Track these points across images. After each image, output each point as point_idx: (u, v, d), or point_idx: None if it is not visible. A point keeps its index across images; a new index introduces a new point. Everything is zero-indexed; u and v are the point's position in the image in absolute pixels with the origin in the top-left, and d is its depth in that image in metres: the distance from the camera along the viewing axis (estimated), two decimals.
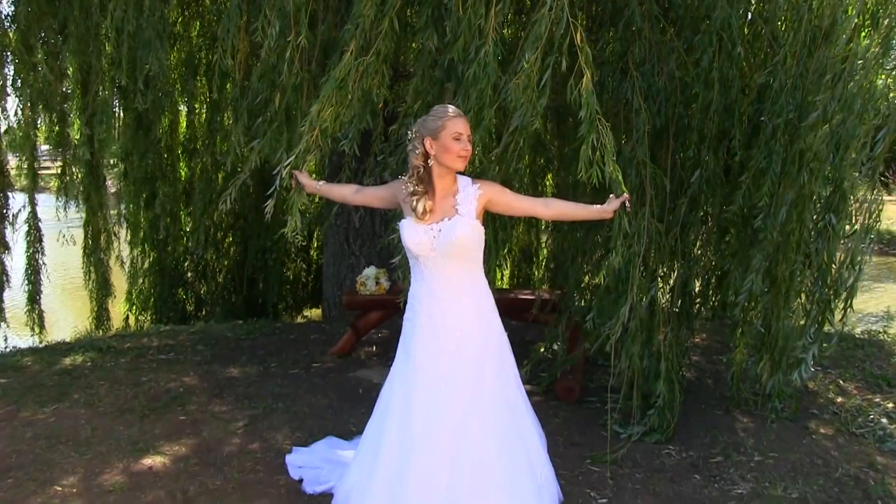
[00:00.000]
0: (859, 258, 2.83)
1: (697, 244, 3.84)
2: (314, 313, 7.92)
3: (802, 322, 3.10)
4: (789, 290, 3.17)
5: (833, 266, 2.97)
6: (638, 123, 3.36)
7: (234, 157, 3.67)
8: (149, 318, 7.33)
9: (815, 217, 3.07)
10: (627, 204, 2.73)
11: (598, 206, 2.70)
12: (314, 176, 3.01)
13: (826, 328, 3.04)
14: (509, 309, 4.37)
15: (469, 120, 2.67)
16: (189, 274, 7.61)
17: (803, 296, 3.19)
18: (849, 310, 2.91)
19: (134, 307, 7.34)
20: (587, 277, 3.93)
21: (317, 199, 7.29)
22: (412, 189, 2.55)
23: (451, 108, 2.54)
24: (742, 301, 3.18)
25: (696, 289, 4.04)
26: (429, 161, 2.53)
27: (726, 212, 3.45)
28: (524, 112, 2.83)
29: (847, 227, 2.94)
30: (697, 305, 4.17)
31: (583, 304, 3.76)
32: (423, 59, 3.24)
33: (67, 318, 8.28)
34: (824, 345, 3.03)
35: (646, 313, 3.34)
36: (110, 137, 5.88)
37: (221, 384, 4.47)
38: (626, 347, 3.31)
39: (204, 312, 7.51)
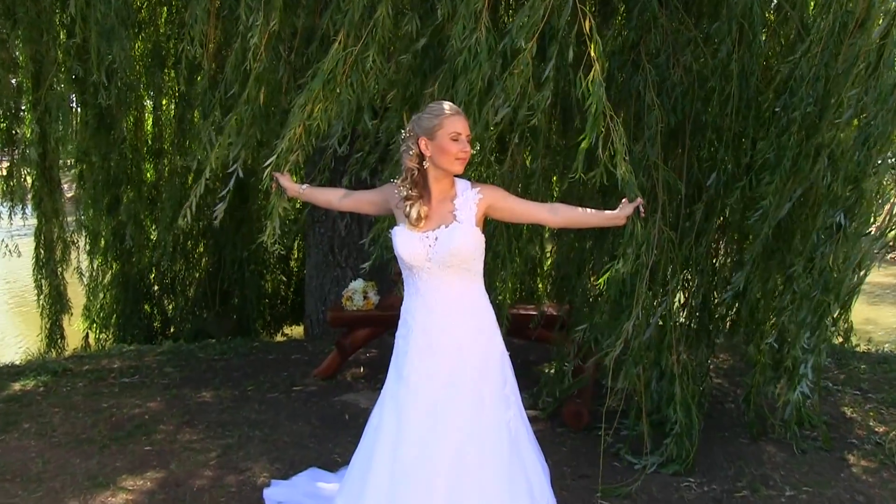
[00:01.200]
0: (868, 261, 2.86)
1: (716, 254, 3.87)
2: (295, 331, 7.92)
3: (797, 330, 3.12)
4: (792, 296, 3.18)
5: (836, 269, 2.99)
6: (650, 120, 3.39)
7: (203, 156, 3.66)
8: (110, 336, 7.33)
9: (825, 217, 3.09)
10: (642, 209, 2.74)
11: (610, 211, 2.73)
12: (295, 178, 3.02)
13: (827, 337, 3.08)
14: (511, 325, 4.38)
15: (467, 118, 2.68)
16: (156, 287, 7.62)
17: (799, 301, 3.19)
18: (849, 318, 2.96)
19: (94, 325, 7.34)
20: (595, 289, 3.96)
21: (298, 204, 7.32)
22: (405, 193, 2.57)
23: (449, 106, 2.56)
24: (727, 298, 3.21)
25: (717, 303, 4.06)
26: (424, 163, 2.55)
27: (747, 217, 3.48)
28: (515, 104, 2.85)
29: (860, 228, 2.96)
30: (718, 322, 4.20)
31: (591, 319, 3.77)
32: (403, 46, 3.26)
33: (16, 338, 8.26)
34: (823, 354, 3.05)
35: (656, 330, 3.35)
36: (67, 136, 5.90)
37: (192, 410, 4.47)
38: (627, 368, 3.32)
39: (172, 330, 7.51)
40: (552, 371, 4.37)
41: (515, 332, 4.52)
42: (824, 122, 3.12)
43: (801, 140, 3.21)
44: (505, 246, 3.34)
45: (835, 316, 3.05)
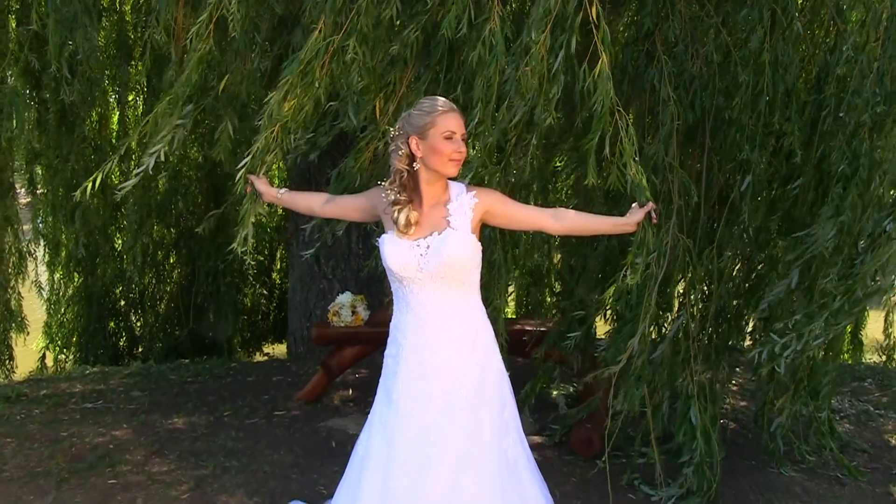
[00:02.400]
0: None
1: (742, 265, 3.88)
2: (277, 349, 7.94)
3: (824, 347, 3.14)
4: (820, 306, 3.20)
5: (876, 277, 3.01)
6: (665, 117, 3.41)
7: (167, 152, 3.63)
8: (71, 357, 7.34)
9: (874, 223, 3.11)
10: (654, 215, 2.77)
11: (618, 217, 2.75)
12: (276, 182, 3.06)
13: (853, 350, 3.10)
14: (511, 343, 4.40)
15: (462, 116, 2.69)
16: (123, 302, 7.64)
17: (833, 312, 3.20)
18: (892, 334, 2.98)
19: (53, 344, 7.34)
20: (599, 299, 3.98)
21: (280, 210, 7.36)
22: (394, 197, 2.59)
23: (442, 101, 2.59)
24: (760, 314, 3.22)
25: (742, 318, 4.09)
26: (414, 164, 2.58)
27: (770, 220, 3.50)
28: (534, 103, 2.87)
29: None
30: (742, 339, 4.22)
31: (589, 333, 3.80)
32: (381, 32, 3.29)
33: None
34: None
35: (669, 347, 3.37)
36: (22, 135, 5.90)
37: (162, 438, 4.49)
38: (627, 388, 3.33)
39: (141, 350, 7.52)
40: (558, 394, 4.38)
41: (518, 349, 4.55)
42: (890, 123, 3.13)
43: (870, 145, 3.19)
44: (501, 254, 3.35)
45: (860, 327, 3.06)
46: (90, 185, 3.10)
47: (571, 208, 2.98)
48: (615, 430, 3.35)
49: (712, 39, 3.64)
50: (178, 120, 3.13)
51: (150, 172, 3.24)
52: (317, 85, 2.86)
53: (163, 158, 3.08)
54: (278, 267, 8.15)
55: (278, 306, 8.08)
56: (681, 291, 3.69)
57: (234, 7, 3.03)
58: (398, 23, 3.29)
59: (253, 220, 2.95)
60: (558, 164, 4.77)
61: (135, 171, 3.12)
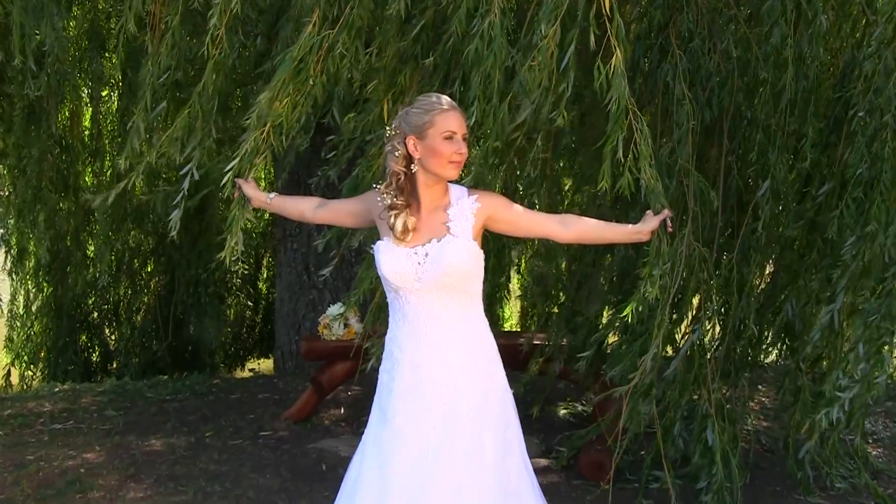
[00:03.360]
0: None
1: (759, 275, 3.89)
2: (263, 365, 7.97)
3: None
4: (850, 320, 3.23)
5: None
6: (680, 117, 3.43)
7: (129, 154, 3.65)
8: (39, 373, 7.34)
9: None
10: (669, 223, 2.79)
11: (631, 225, 2.78)
12: (262, 186, 3.08)
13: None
14: (515, 357, 4.43)
15: (464, 115, 2.71)
16: (95, 314, 7.66)
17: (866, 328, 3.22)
18: None
19: (18, 360, 7.35)
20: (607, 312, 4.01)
21: (267, 216, 7.39)
22: (390, 202, 2.61)
23: (444, 100, 2.60)
24: (813, 344, 3.24)
25: (761, 331, 4.11)
26: (412, 166, 2.59)
27: (794, 228, 3.52)
28: (541, 101, 2.89)
29: None
30: (765, 353, 4.24)
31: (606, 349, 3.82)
32: (389, 28, 3.31)
33: None
34: (879, 389, 3.10)
35: (683, 363, 3.39)
36: None
37: (138, 461, 4.50)
38: (633, 405, 3.34)
39: (115, 365, 7.54)
40: (567, 413, 4.40)
41: (522, 365, 4.57)
42: None
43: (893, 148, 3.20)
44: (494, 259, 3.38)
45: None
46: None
47: (578, 214, 2.99)
48: (624, 451, 3.37)
49: (731, 33, 3.66)
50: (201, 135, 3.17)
51: (123, 172, 3.26)
52: (311, 83, 2.89)
53: (196, 177, 3.09)
54: (264, 276, 8.19)
55: (265, 318, 8.10)
56: (696, 303, 3.71)
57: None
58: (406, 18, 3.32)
59: (243, 226, 2.96)
60: (562, 164, 4.81)
61: (174, 202, 3.10)
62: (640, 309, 2.93)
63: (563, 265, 4.94)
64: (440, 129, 2.55)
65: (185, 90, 4.15)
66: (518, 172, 3.66)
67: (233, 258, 2.99)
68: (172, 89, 3.73)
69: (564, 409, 4.51)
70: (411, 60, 3.40)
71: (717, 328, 3.80)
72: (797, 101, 3.51)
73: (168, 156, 3.26)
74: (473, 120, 2.98)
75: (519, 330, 8.28)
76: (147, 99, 3.42)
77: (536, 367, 4.36)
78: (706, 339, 3.57)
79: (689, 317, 3.63)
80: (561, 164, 4.68)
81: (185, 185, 3.00)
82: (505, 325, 8.88)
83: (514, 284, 8.80)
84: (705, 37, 3.64)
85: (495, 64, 2.92)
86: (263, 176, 7.43)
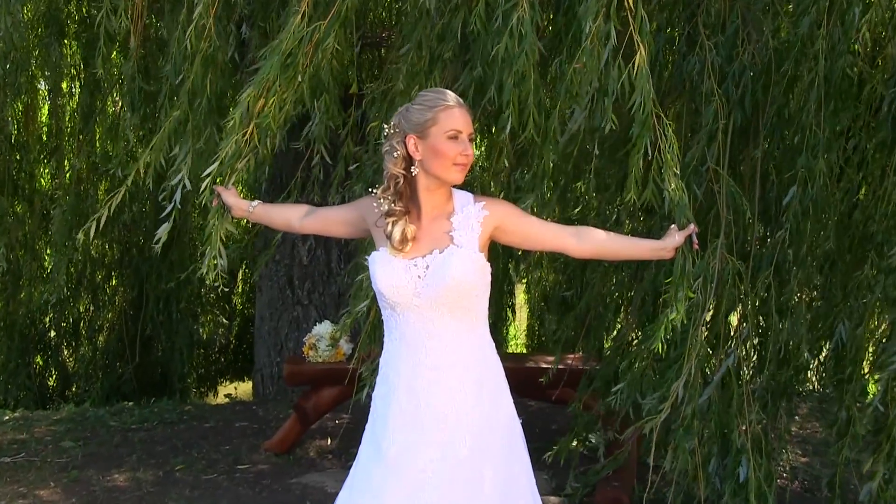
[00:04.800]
0: None
1: (800, 293, 3.90)
2: (241, 389, 7.97)
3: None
4: None
5: None
6: (708, 115, 3.44)
7: (122, 161, 3.66)
8: None
9: None
10: (695, 239, 2.80)
11: (653, 241, 2.79)
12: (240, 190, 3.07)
13: None
14: (523, 383, 4.44)
15: (470, 111, 2.70)
16: (53, 333, 7.65)
17: None
18: None
19: None
20: (633, 336, 4.00)
21: (249, 225, 7.39)
22: (387, 207, 2.61)
23: (449, 95, 2.61)
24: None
25: (803, 356, 4.11)
26: (412, 169, 2.60)
27: (842, 239, 3.53)
28: (592, 107, 2.90)
29: None
30: (805, 380, 4.24)
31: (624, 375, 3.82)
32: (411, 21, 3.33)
33: None
34: None
35: (717, 391, 3.39)
36: None
37: (99, 499, 4.50)
38: (677, 441, 3.34)
39: (75, 390, 7.53)
40: (581, 445, 4.40)
41: (531, 391, 4.58)
42: None
43: None
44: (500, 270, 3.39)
45: None
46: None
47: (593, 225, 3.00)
48: (647, 488, 3.37)
49: (769, 21, 3.66)
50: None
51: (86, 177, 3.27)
52: (299, 79, 2.90)
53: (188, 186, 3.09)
54: (241, 290, 8.19)
55: (242, 337, 8.11)
56: (732, 324, 3.71)
57: None
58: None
59: (223, 239, 2.94)
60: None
61: (165, 212, 3.07)
62: (670, 336, 2.92)
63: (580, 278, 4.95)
64: (444, 128, 2.55)
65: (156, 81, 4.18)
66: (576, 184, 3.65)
67: (214, 274, 2.95)
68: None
69: (577, 440, 4.50)
70: (439, 63, 3.42)
71: (754, 351, 3.80)
72: (830, 94, 3.49)
73: (154, 164, 3.27)
74: (509, 128, 3.00)
75: (526, 352, 8.30)
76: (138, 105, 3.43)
77: (579, 403, 4.33)
78: (743, 364, 3.56)
79: (723, 339, 3.62)
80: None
81: (178, 196, 2.98)
82: (509, 347, 8.89)
83: (520, 299, 8.82)
84: (738, 25, 3.63)
85: (528, 65, 2.93)
86: (244, 178, 7.43)
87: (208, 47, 3.25)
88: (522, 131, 3.05)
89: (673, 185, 2.78)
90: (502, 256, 4.62)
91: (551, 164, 3.18)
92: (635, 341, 4.08)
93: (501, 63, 2.98)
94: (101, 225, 3.15)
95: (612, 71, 2.89)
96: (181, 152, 3.22)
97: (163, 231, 3.04)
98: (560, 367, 4.53)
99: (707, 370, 3.50)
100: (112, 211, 3.14)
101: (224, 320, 8.24)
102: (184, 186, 3.03)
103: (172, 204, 2.99)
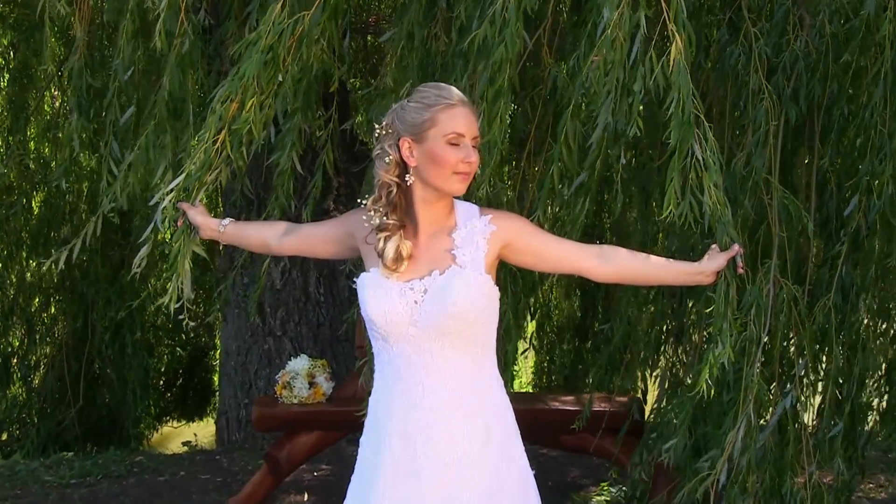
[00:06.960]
0: None
1: (867, 321, 3.91)
2: (202, 435, 7.95)
3: None
4: None
5: None
6: (757, 115, 3.45)
7: (67, 169, 3.66)
8: None
9: None
10: (740, 261, 2.79)
11: (690, 263, 2.80)
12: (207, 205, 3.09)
13: None
14: (535, 428, 4.45)
15: (475, 112, 2.73)
16: None
17: None
18: None
19: None
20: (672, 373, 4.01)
21: (221, 247, 7.41)
22: (379, 222, 2.60)
23: (451, 92, 2.61)
24: None
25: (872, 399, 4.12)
26: (407, 177, 2.60)
27: None
28: (616, 108, 2.92)
29: None
30: (873, 425, 4.26)
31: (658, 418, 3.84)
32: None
33: None
34: None
35: (773, 438, 3.40)
36: None
37: None
38: (731, 497, 3.34)
39: (5, 438, 7.53)
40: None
41: (544, 437, 4.60)
42: None
43: None
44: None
45: None
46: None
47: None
48: None
49: (826, 4, 3.68)
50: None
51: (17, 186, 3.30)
52: (280, 77, 2.92)
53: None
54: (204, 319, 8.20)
55: (203, 374, 8.10)
56: (788, 358, 3.71)
57: None
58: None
59: (189, 264, 2.93)
60: None
61: (143, 236, 3.11)
62: (723, 367, 2.92)
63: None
64: (443, 131, 2.53)
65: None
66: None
67: (177, 304, 2.94)
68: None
69: (598, 494, 4.51)
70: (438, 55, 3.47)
71: (815, 392, 3.81)
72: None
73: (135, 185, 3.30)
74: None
75: (537, 391, 8.32)
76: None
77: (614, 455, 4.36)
78: (802, 407, 3.56)
79: (783, 379, 3.62)
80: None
81: (158, 217, 2.97)
82: (515, 385, 8.90)
83: (528, 329, 8.85)
84: (788, 9, 3.66)
85: (504, 57, 2.95)
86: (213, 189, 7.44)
87: (181, 46, 3.28)
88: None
89: (713, 199, 2.78)
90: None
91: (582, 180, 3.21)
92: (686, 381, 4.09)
93: (476, 53, 3.01)
94: (74, 254, 3.19)
95: (640, 66, 2.90)
96: (159, 167, 3.24)
97: (142, 255, 3.04)
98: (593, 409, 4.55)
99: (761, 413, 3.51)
100: (48, 225, 3.17)
101: (181, 353, 8.22)
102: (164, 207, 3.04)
103: (152, 224, 2.98)
